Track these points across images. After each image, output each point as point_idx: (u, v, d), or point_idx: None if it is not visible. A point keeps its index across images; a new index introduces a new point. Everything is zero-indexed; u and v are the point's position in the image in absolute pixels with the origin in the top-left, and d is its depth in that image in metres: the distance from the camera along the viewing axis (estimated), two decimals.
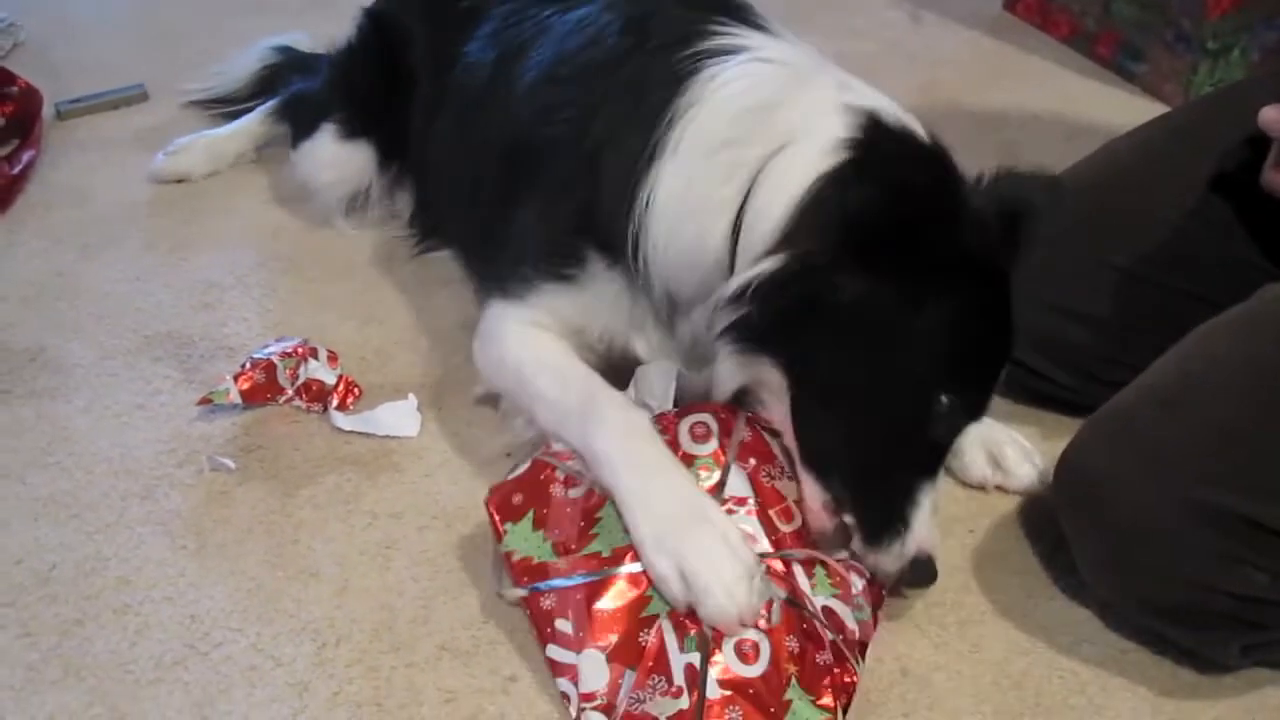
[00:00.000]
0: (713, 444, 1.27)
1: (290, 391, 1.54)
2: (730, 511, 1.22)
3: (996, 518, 1.45)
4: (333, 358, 1.58)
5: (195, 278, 1.82)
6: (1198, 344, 1.30)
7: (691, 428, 1.29)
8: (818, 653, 1.16)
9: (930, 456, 1.26)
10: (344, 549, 1.37)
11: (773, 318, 1.22)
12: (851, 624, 1.21)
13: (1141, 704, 1.25)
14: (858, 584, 1.24)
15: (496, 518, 1.26)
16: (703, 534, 1.18)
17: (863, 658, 1.22)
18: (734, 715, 1.11)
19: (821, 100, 1.29)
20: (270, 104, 2.14)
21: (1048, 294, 1.52)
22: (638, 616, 1.17)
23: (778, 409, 1.29)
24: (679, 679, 1.13)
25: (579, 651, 1.17)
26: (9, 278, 1.81)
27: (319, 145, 1.94)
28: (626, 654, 1.15)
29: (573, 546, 1.22)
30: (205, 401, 1.52)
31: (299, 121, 2.01)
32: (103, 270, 1.83)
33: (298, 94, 2.07)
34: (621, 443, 1.26)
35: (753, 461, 1.27)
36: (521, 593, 1.22)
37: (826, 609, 1.20)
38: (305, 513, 1.41)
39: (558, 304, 1.43)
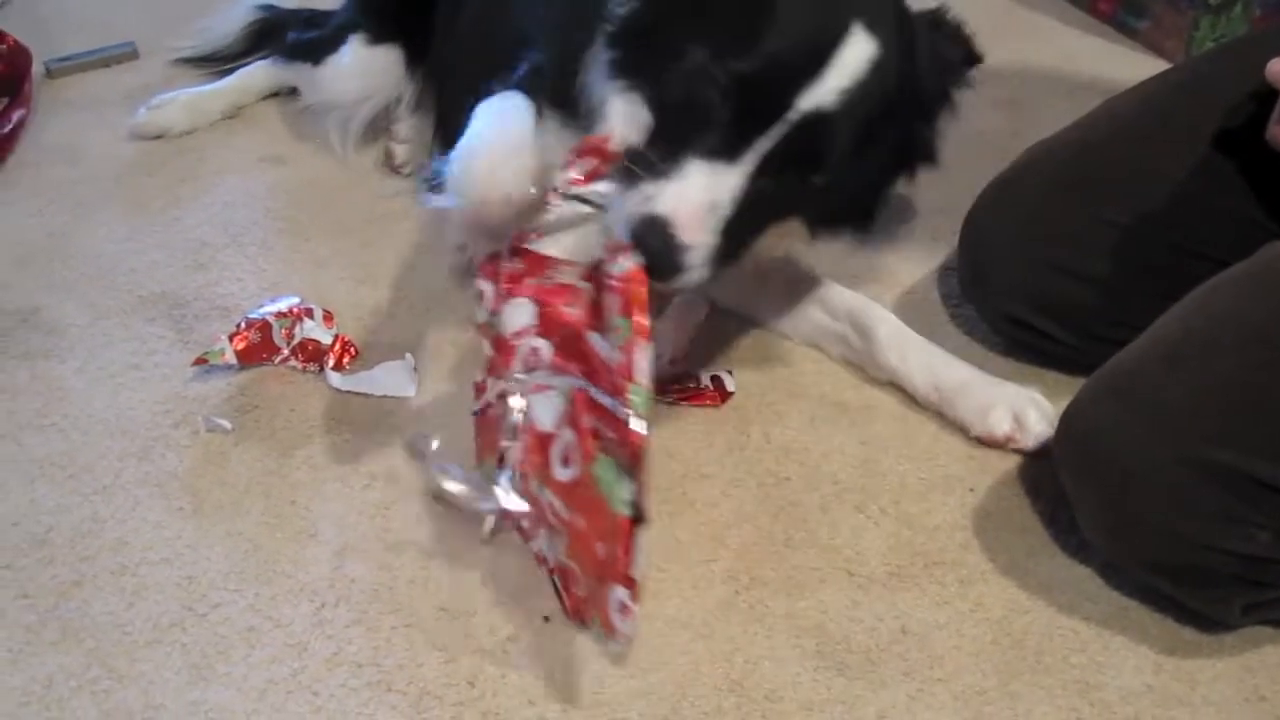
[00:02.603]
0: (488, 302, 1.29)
1: (286, 351, 1.53)
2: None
3: (997, 476, 1.44)
4: (329, 317, 1.57)
5: (189, 237, 1.80)
6: (1200, 302, 1.29)
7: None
8: (606, 415, 1.12)
9: (721, 138, 1.18)
10: (342, 510, 1.36)
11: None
12: (614, 355, 1.13)
13: (1143, 662, 1.24)
14: (611, 305, 1.15)
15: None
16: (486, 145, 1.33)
17: (638, 383, 1.09)
18: (578, 520, 1.15)
19: None
20: (268, 59, 2.13)
21: (1049, 253, 1.51)
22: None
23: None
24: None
25: (536, 537, 1.25)
26: (1, 238, 1.79)
27: (346, 54, 1.95)
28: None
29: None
30: (200, 362, 1.51)
31: (320, 44, 2.00)
32: (96, 230, 1.81)
33: (306, 34, 2.07)
34: (491, 106, 1.40)
35: (528, 282, 1.26)
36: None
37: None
38: (302, 473, 1.40)
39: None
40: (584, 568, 1.15)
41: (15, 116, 2.02)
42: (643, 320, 1.11)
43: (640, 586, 1.07)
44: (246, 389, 1.52)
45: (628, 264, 1.13)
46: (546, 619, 1.25)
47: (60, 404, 1.49)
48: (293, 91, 2.13)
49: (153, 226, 1.83)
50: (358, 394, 1.51)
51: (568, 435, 1.16)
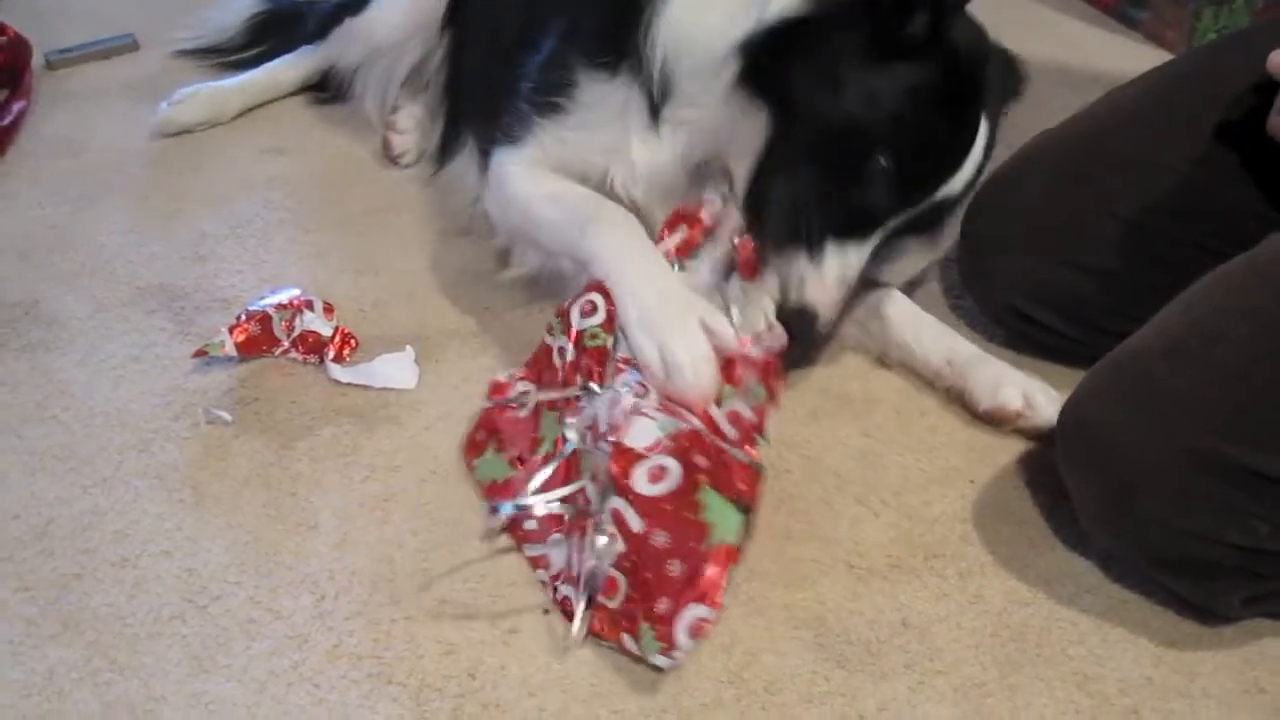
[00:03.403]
0: (600, 316, 1.34)
1: (286, 343, 1.53)
2: (619, 370, 1.31)
3: (997, 469, 1.44)
4: (329, 309, 1.57)
5: (189, 229, 1.80)
6: (1202, 294, 1.29)
7: (581, 306, 1.36)
8: (720, 455, 1.22)
9: (858, 220, 1.35)
10: (342, 502, 1.36)
11: (777, 62, 1.34)
12: (748, 413, 1.26)
13: (1142, 654, 1.25)
14: (748, 374, 1.29)
15: (467, 458, 1.39)
16: (682, 318, 1.30)
17: (764, 436, 1.27)
18: (655, 538, 1.19)
19: None
20: (296, 50, 2.12)
21: (1051, 245, 1.51)
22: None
23: (738, 166, 1.39)
24: (610, 527, 1.21)
25: (544, 542, 1.28)
26: (1, 230, 1.79)
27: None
28: (574, 528, 1.25)
29: (526, 456, 1.34)
30: (201, 354, 1.51)
31: (353, 4, 2.01)
32: (96, 222, 1.81)
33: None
34: (616, 239, 1.41)
35: None
36: (502, 516, 1.27)
37: (730, 413, 1.27)
38: (302, 465, 1.40)
39: (553, 136, 1.54)
40: (640, 582, 1.19)
41: (15, 108, 2.02)
42: (777, 387, 1.29)
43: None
44: (247, 381, 1.52)
45: (769, 343, 1.30)
46: (546, 611, 1.25)
47: (60, 396, 1.49)
48: (318, 88, 2.13)
49: (153, 219, 1.83)
50: (358, 386, 1.51)
51: (664, 460, 1.21)
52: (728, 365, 1.29)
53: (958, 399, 1.52)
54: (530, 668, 1.20)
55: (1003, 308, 1.58)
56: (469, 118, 1.86)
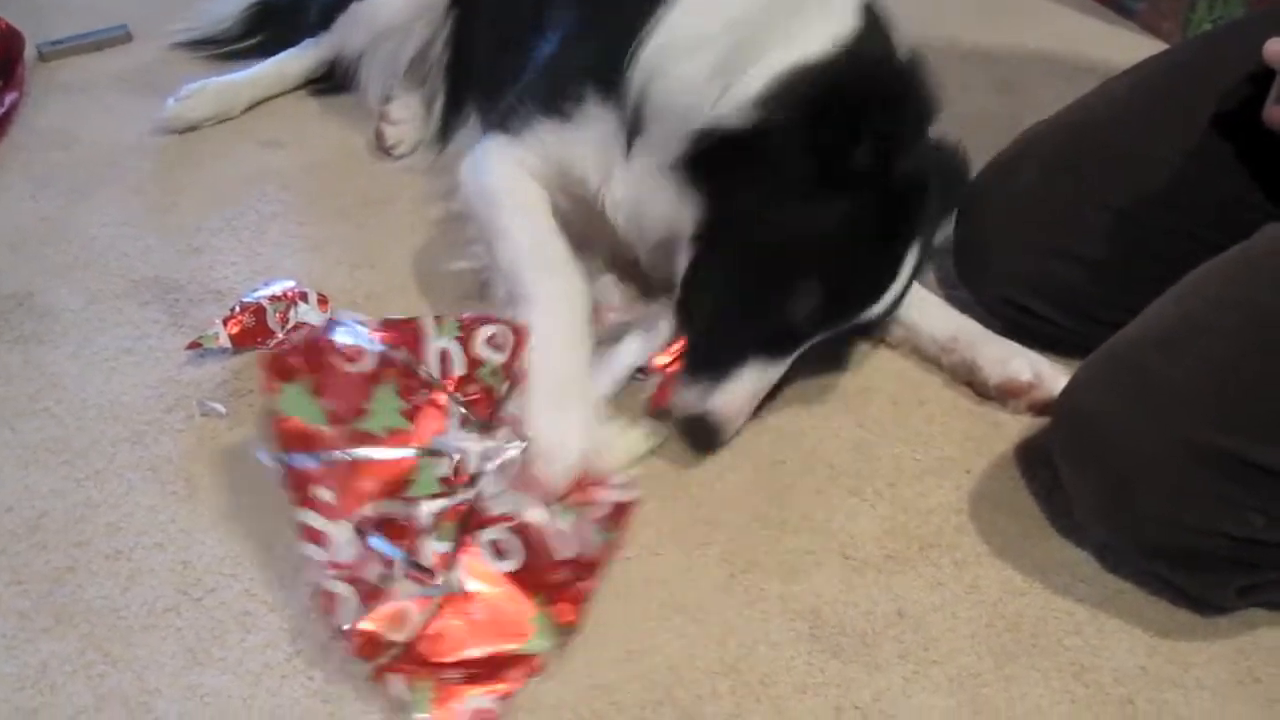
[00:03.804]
0: (503, 356, 1.33)
1: (280, 335, 1.52)
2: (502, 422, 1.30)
3: (993, 459, 1.44)
4: (323, 301, 1.56)
5: (183, 221, 1.80)
6: (1197, 285, 1.29)
7: (489, 336, 1.33)
8: (559, 567, 1.21)
9: (778, 339, 1.37)
10: None
11: (719, 160, 1.35)
12: (596, 541, 1.24)
13: (1137, 644, 1.25)
14: (603, 508, 1.27)
15: (270, 374, 1.23)
16: (573, 413, 1.31)
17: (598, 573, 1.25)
18: (475, 611, 1.18)
19: None
20: (302, 43, 2.11)
21: (1045, 236, 1.51)
22: (400, 497, 1.21)
23: (680, 258, 1.41)
24: (428, 563, 1.18)
25: (334, 520, 1.19)
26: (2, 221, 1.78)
27: None
28: (383, 532, 1.19)
29: (347, 418, 1.23)
30: (194, 346, 1.50)
31: None
32: (90, 214, 1.80)
33: None
34: (554, 308, 1.39)
35: None
36: (269, 463, 1.23)
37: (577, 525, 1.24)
38: None
39: (550, 140, 1.53)
40: (435, 638, 1.17)
41: (7, 100, 2.01)
42: (621, 535, 1.29)
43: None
44: (241, 373, 1.51)
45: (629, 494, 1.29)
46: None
47: (53, 389, 1.49)
48: (322, 79, 2.12)
49: (147, 211, 1.82)
50: None
51: (511, 538, 1.22)
52: (585, 486, 1.28)
53: (964, 376, 1.53)
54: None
55: (997, 298, 1.58)
56: (475, 95, 1.86)
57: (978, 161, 1.62)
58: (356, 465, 1.21)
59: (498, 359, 1.32)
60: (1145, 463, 1.20)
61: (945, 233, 1.53)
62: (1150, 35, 2.41)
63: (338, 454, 1.21)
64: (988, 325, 1.61)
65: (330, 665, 1.18)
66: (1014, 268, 1.54)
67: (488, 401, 1.31)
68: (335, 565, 1.17)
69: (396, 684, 1.15)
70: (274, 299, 1.53)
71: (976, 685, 1.20)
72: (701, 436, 1.39)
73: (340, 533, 1.18)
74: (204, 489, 1.36)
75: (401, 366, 1.28)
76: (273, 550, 1.29)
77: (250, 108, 2.07)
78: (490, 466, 1.24)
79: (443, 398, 1.28)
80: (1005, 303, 1.57)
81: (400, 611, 1.15)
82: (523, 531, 1.21)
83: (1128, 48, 2.25)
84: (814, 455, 1.44)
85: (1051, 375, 1.47)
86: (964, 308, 1.64)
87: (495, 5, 1.82)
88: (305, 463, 1.20)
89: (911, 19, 2.35)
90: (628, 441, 1.39)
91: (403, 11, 1.95)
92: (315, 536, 1.19)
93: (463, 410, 1.29)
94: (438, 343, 1.32)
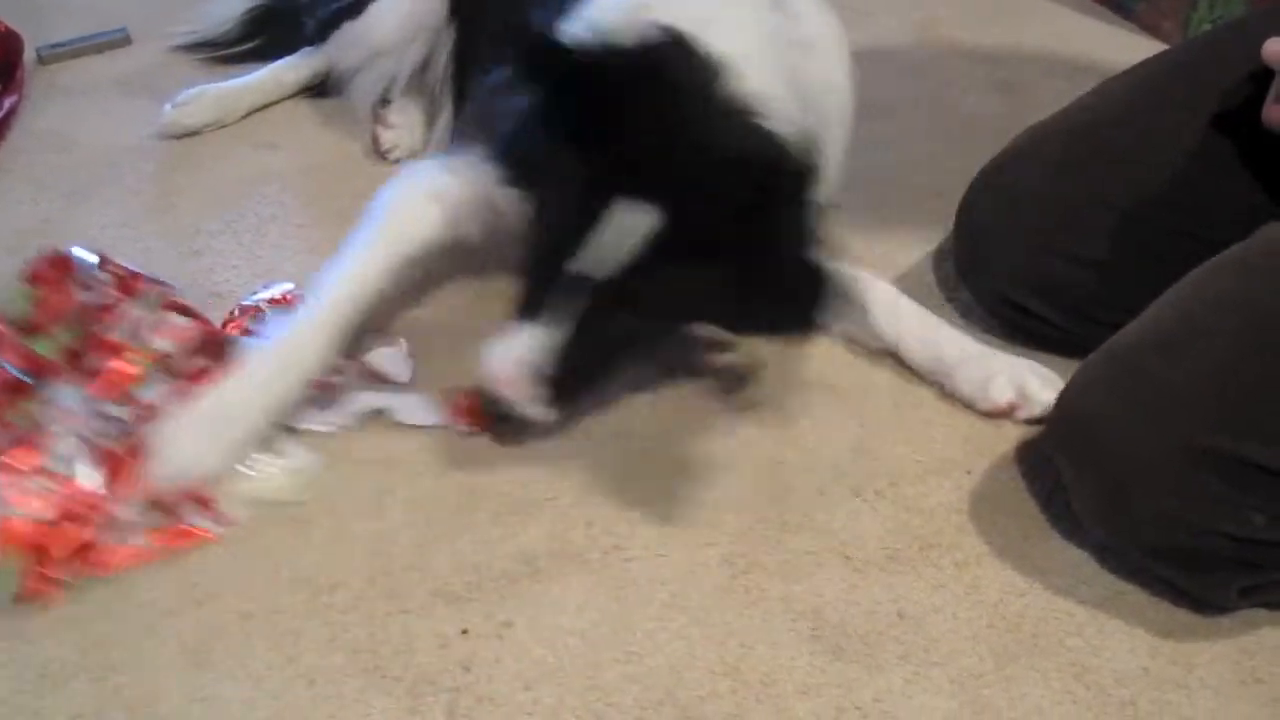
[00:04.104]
0: (169, 347, 1.41)
1: None
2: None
3: (994, 459, 1.44)
4: None
5: (183, 224, 1.80)
6: (1197, 285, 1.29)
7: (176, 328, 1.43)
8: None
9: (551, 296, 1.26)
10: (336, 497, 1.36)
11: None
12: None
13: (1139, 645, 1.25)
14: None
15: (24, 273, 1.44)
16: (217, 435, 1.33)
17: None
18: None
19: None
20: (299, 53, 2.10)
21: (1045, 236, 1.51)
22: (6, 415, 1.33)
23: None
24: None
25: None
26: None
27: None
28: None
29: (34, 331, 1.39)
30: None
31: (351, 8, 1.97)
32: (89, 217, 1.80)
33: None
34: (276, 350, 1.39)
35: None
36: None
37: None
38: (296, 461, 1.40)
39: (477, 168, 1.45)
40: None
41: (7, 103, 2.01)
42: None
43: None
44: None
45: None
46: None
47: None
48: (322, 85, 2.11)
49: (147, 214, 1.82)
50: None
51: None
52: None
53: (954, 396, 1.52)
54: (525, 661, 1.19)
55: (997, 299, 1.58)
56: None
57: (977, 162, 1.62)
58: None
59: (161, 345, 1.40)
60: (1144, 464, 1.20)
61: None
62: (1150, 35, 2.41)
63: None
64: (988, 326, 1.61)
65: (330, 667, 1.18)
66: (1014, 268, 1.53)
67: (119, 379, 1.37)
68: None
69: None
70: (273, 302, 1.53)
71: (978, 686, 1.20)
72: (497, 411, 1.35)
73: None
74: None
75: (102, 314, 1.42)
76: (272, 555, 1.29)
77: (248, 114, 2.07)
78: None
79: (103, 357, 1.38)
80: (1005, 303, 1.57)
81: None
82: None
83: (1127, 47, 2.25)
84: (815, 455, 1.43)
85: (1039, 389, 1.46)
86: (964, 309, 1.64)
87: (492, 23, 1.81)
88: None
89: (909, 19, 2.38)
90: (259, 484, 1.36)
91: (396, 32, 1.93)
92: None
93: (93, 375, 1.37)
94: (137, 308, 1.43)
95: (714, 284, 1.23)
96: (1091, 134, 1.53)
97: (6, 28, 2.08)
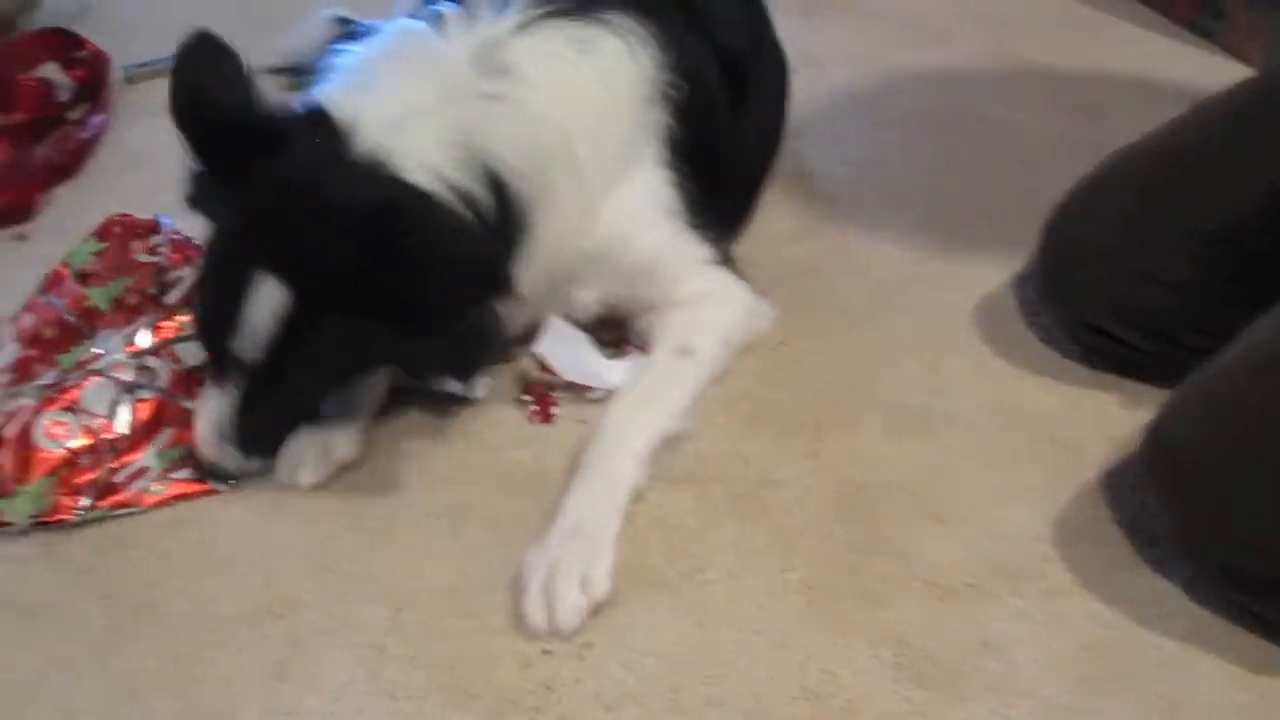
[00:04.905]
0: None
1: None
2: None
3: (1077, 487, 1.41)
4: None
5: None
6: None
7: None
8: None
9: (218, 362, 1.32)
10: (417, 513, 1.37)
11: None
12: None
13: (1229, 679, 1.22)
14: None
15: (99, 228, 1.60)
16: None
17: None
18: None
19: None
20: None
21: (1133, 260, 1.48)
22: (54, 353, 1.46)
23: None
24: (12, 406, 1.38)
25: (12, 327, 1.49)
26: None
27: None
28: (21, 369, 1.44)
29: (90, 282, 1.54)
30: None
31: None
32: None
33: None
34: None
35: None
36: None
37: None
38: (379, 477, 1.41)
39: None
40: None
41: (95, 122, 2.05)
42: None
43: None
44: None
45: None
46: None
47: None
48: None
49: None
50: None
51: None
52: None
53: None
54: (606, 681, 1.19)
55: (1080, 323, 1.55)
56: None
57: (1059, 185, 1.60)
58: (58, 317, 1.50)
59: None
60: (1236, 494, 1.18)
61: None
62: (1234, 59, 2.37)
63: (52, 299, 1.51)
64: (1068, 351, 1.59)
65: (411, 684, 1.19)
66: (1098, 291, 1.51)
67: (164, 334, 1.47)
68: None
69: None
70: None
71: (1065, 718, 1.18)
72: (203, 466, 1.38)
73: (9, 347, 1.47)
74: (288, 507, 1.38)
75: (154, 274, 1.55)
76: (355, 568, 1.31)
77: None
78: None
79: (148, 315, 1.49)
80: (1087, 327, 1.54)
81: None
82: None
83: (1210, 70, 2.21)
84: (895, 481, 1.42)
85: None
86: (1046, 332, 1.61)
87: None
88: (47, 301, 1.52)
89: (988, 40, 2.36)
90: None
91: None
92: None
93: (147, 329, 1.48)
94: (190, 274, 1.54)
95: (368, 339, 1.27)
96: (1180, 158, 1.51)
97: (95, 48, 2.12)
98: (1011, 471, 1.44)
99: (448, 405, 1.50)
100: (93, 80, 2.10)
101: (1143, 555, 1.34)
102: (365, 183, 1.25)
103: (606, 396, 1.47)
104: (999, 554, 1.34)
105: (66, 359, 1.44)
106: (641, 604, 1.27)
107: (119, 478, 1.36)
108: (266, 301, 1.24)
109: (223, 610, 1.26)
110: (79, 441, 1.36)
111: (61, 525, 1.34)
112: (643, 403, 1.44)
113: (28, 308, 1.52)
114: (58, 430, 1.36)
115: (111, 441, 1.37)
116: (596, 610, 1.25)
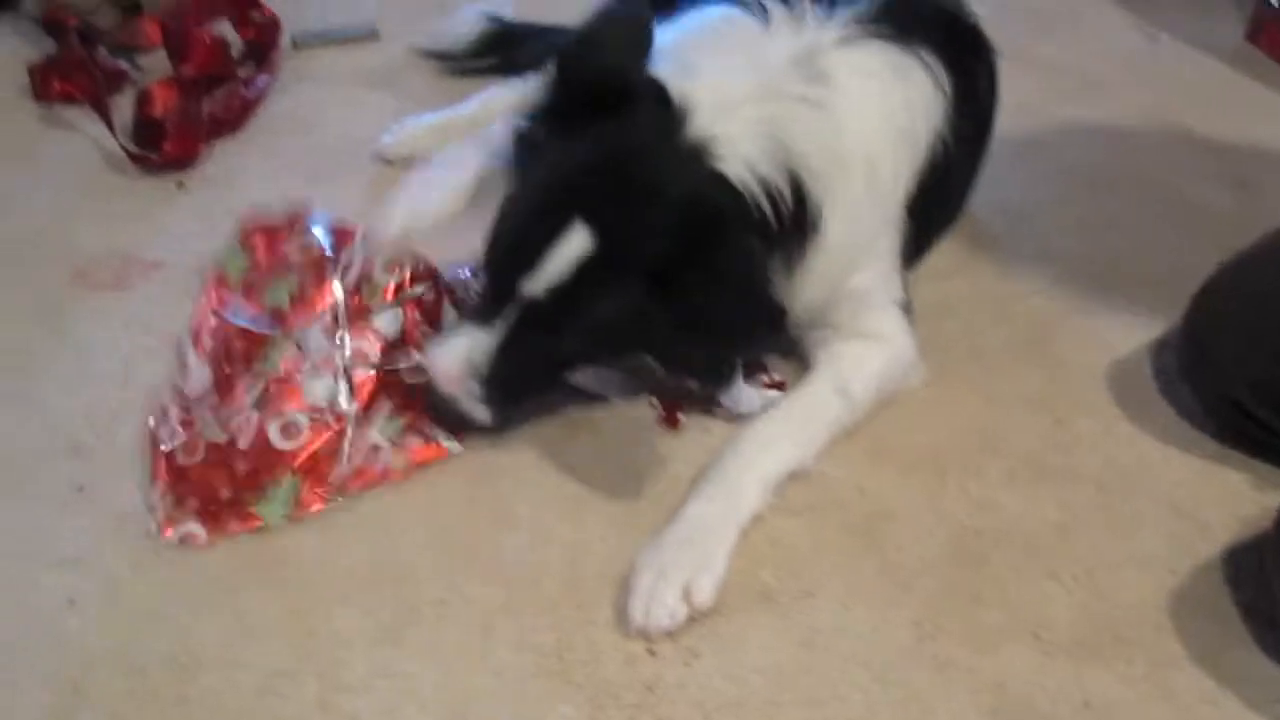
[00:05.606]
0: (392, 280, 1.53)
1: None
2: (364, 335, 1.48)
3: (1198, 562, 1.39)
4: None
5: None
6: None
7: (394, 262, 1.54)
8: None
9: (496, 297, 1.31)
10: (539, 502, 1.39)
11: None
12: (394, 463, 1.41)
13: None
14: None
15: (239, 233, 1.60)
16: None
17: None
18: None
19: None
20: (508, 81, 2.11)
21: (1275, 340, 1.46)
22: (250, 363, 1.46)
23: None
24: (238, 421, 1.40)
25: (194, 352, 1.49)
26: (239, 195, 1.85)
27: None
28: (223, 386, 1.44)
29: (256, 288, 1.54)
30: None
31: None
32: (327, 198, 1.84)
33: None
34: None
35: (416, 315, 1.51)
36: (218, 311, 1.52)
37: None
38: (504, 460, 1.44)
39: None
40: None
41: (261, 82, 2.11)
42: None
43: None
44: None
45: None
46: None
47: None
48: None
49: (377, 204, 1.86)
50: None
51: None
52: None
53: None
54: (708, 690, 1.20)
55: (1220, 399, 1.52)
56: None
57: (1204, 256, 1.58)
58: (239, 331, 1.49)
59: (385, 280, 1.52)
60: None
61: None
62: None
63: (229, 316, 1.51)
64: (1203, 425, 1.56)
65: (517, 664, 1.21)
66: (1243, 370, 1.48)
67: (356, 314, 1.49)
68: (181, 394, 1.45)
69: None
70: None
71: None
72: (438, 403, 1.39)
73: (195, 363, 1.48)
74: (413, 483, 1.41)
75: (319, 260, 1.54)
76: (474, 547, 1.33)
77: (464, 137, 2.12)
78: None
79: (330, 298, 1.50)
80: (1228, 404, 1.51)
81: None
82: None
83: None
84: (1013, 531, 1.41)
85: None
86: (1180, 404, 1.59)
87: None
88: (233, 318, 1.51)
89: (1141, 98, 2.33)
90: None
91: None
92: (181, 365, 1.48)
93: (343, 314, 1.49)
94: (354, 253, 1.54)
95: (644, 319, 1.27)
96: None
97: (270, 13, 2.19)
98: (1132, 537, 1.42)
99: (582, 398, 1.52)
100: (263, 42, 2.16)
101: (1258, 638, 1.31)
102: (691, 171, 1.29)
103: (733, 419, 1.49)
104: (1111, 617, 1.32)
105: (267, 364, 1.45)
106: (750, 620, 1.28)
107: (359, 460, 1.39)
108: (573, 248, 1.25)
109: (339, 566, 1.30)
110: (312, 435, 1.39)
111: None
112: (785, 430, 1.45)
113: (199, 326, 1.52)
114: (290, 430, 1.39)
115: (341, 428, 1.40)
116: (696, 619, 1.26)
